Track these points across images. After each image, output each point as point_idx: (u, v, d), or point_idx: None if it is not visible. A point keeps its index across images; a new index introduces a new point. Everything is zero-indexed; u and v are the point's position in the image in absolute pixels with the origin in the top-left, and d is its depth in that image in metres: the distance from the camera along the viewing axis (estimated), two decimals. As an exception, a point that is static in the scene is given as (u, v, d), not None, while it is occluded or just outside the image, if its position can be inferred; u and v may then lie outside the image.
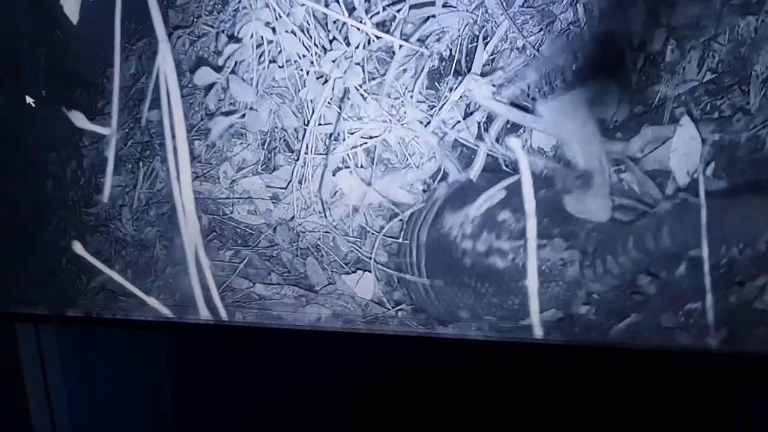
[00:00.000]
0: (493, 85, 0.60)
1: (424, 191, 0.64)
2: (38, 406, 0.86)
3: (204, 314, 0.70)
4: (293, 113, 0.64)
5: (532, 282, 0.63)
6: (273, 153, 0.66)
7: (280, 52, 0.63)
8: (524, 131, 0.61)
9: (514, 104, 0.61)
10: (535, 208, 0.62)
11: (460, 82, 0.60)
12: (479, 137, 0.62)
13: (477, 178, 0.62)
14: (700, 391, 0.76)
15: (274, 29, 0.62)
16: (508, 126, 0.61)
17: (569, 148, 0.60)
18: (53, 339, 0.85)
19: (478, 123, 0.62)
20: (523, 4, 0.59)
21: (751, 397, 0.75)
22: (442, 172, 0.63)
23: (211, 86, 0.65)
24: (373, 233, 0.66)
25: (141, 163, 0.69)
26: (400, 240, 0.66)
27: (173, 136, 0.66)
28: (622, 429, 0.84)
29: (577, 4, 0.58)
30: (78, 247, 0.73)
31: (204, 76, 0.65)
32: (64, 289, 0.75)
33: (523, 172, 0.62)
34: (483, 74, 0.60)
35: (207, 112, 0.66)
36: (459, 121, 0.62)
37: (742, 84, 0.58)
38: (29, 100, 0.68)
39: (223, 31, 0.63)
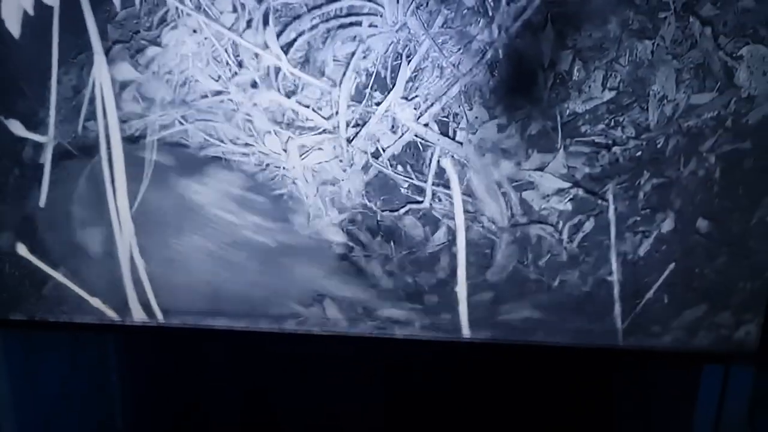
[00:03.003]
0: (415, 109, 0.65)
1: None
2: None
3: (138, 316, 0.73)
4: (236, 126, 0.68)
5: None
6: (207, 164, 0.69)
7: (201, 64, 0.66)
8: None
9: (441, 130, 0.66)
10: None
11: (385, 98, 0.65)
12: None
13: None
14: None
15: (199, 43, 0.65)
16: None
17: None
18: (-2, 342, 0.86)
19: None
20: (443, 25, 0.63)
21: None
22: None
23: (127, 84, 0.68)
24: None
25: (79, 169, 0.71)
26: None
27: (108, 144, 0.69)
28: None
29: (493, 26, 0.62)
30: (22, 250, 0.75)
31: (122, 72, 0.67)
32: (8, 292, 0.77)
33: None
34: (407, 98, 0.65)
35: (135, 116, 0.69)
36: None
37: (641, 102, 0.63)
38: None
39: (155, 42, 0.66)
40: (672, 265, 0.67)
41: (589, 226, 0.67)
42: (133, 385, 1.00)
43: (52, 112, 0.69)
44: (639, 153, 0.64)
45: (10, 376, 0.88)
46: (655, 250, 0.67)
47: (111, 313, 0.76)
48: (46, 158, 0.71)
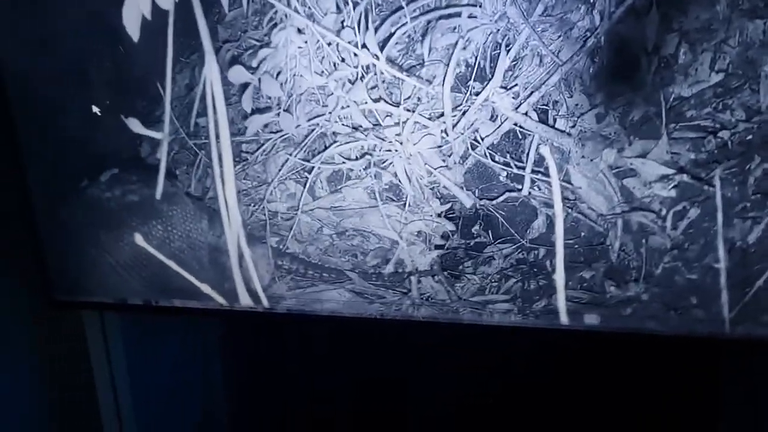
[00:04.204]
0: (514, 98, 0.65)
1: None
2: (103, 385, 0.95)
3: (245, 302, 0.78)
4: (338, 120, 0.70)
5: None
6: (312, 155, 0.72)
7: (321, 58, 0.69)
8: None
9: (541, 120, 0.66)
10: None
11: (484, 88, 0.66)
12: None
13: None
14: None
15: (306, 42, 0.68)
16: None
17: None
18: (117, 325, 0.93)
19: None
20: (543, 13, 0.63)
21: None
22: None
23: (245, 86, 0.71)
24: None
25: (191, 164, 0.76)
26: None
27: (218, 140, 0.73)
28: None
29: (594, 13, 0.62)
30: (139, 240, 0.81)
31: (237, 75, 0.71)
32: (127, 278, 0.83)
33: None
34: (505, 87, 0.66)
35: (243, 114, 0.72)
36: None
37: (751, 84, 0.61)
38: (95, 109, 0.76)
39: (265, 43, 0.69)
40: (786, 252, 0.65)
41: (694, 212, 0.66)
42: (240, 372, 1.05)
43: (167, 110, 0.74)
44: (749, 137, 0.62)
45: (127, 358, 0.94)
46: (767, 237, 0.65)
47: (220, 300, 0.80)
48: (162, 153, 0.76)
